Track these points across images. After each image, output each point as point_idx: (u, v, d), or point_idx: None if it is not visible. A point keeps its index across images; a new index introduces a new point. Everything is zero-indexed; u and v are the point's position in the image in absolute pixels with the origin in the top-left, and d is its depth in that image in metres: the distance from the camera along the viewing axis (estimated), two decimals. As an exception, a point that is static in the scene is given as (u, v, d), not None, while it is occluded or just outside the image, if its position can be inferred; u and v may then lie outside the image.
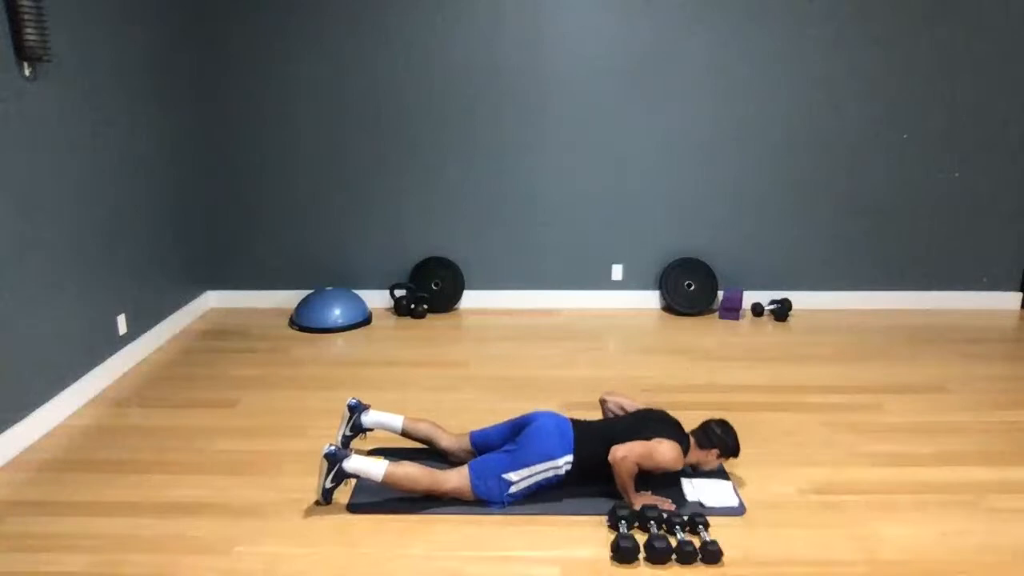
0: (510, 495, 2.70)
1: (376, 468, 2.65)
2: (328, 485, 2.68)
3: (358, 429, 3.00)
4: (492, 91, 4.82)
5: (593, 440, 2.76)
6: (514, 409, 3.50)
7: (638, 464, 2.66)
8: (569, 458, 2.71)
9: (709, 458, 2.84)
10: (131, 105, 4.08)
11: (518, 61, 4.76)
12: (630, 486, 2.69)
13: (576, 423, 2.83)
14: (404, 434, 3.03)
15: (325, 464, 2.66)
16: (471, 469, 2.71)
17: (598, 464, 2.72)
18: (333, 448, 2.66)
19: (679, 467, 2.72)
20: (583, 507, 2.70)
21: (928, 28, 4.70)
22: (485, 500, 2.69)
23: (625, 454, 2.65)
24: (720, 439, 2.83)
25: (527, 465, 2.69)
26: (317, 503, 2.73)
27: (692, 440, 2.84)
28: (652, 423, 2.81)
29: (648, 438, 2.71)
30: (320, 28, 4.69)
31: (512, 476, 2.69)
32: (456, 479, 2.69)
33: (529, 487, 2.71)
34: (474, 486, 2.68)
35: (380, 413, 3.03)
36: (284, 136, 4.89)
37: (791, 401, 3.66)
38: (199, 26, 4.68)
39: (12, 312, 3.10)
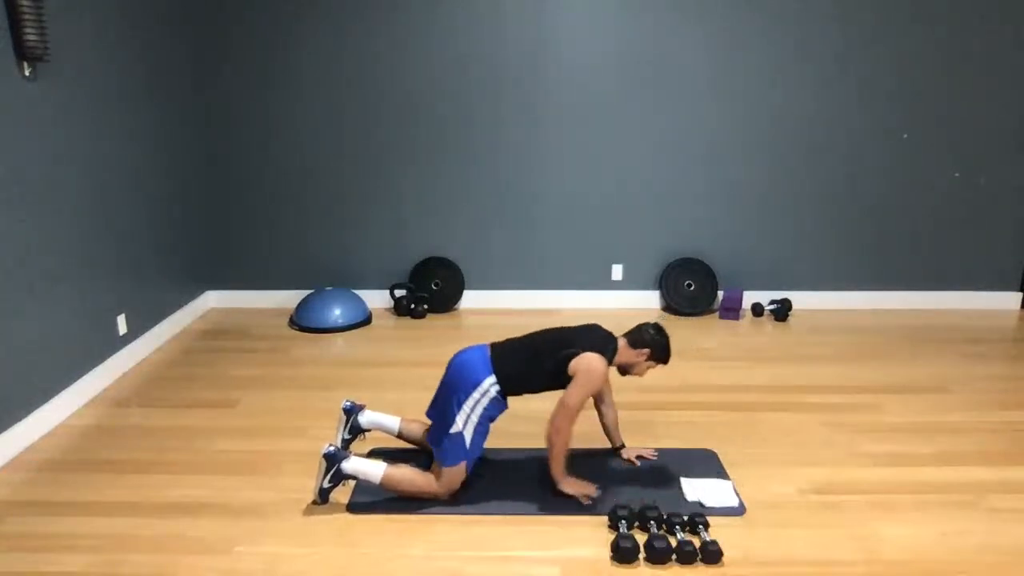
0: (467, 446, 2.68)
1: (375, 470, 2.67)
2: (326, 485, 2.68)
3: (357, 430, 3.00)
4: (492, 91, 4.82)
5: (515, 357, 2.73)
6: (514, 409, 3.49)
7: (576, 413, 2.62)
8: (493, 379, 2.69)
9: (639, 359, 2.78)
10: (131, 105, 4.08)
11: (518, 61, 4.76)
12: (561, 464, 2.70)
13: (494, 344, 2.81)
14: (400, 436, 3.03)
15: (324, 464, 2.66)
16: (434, 452, 2.73)
17: (527, 379, 2.71)
18: (332, 449, 2.67)
19: (605, 376, 2.67)
20: (583, 507, 2.70)
21: (929, 28, 4.70)
22: (453, 463, 2.67)
23: (558, 426, 2.63)
24: (652, 339, 2.76)
25: (462, 402, 2.68)
26: (314, 503, 2.73)
27: (624, 341, 2.79)
28: (575, 333, 2.76)
29: (573, 353, 2.66)
30: (320, 29, 4.69)
31: (458, 422, 2.68)
32: (435, 471, 2.71)
33: (477, 426, 2.69)
34: (441, 461, 2.69)
35: (375, 414, 3.03)
36: (284, 136, 4.89)
37: (791, 401, 3.66)
38: (199, 27, 4.68)
39: (12, 312, 3.10)
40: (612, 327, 2.88)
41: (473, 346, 2.83)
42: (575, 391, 2.63)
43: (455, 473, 2.69)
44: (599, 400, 3.02)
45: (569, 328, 2.82)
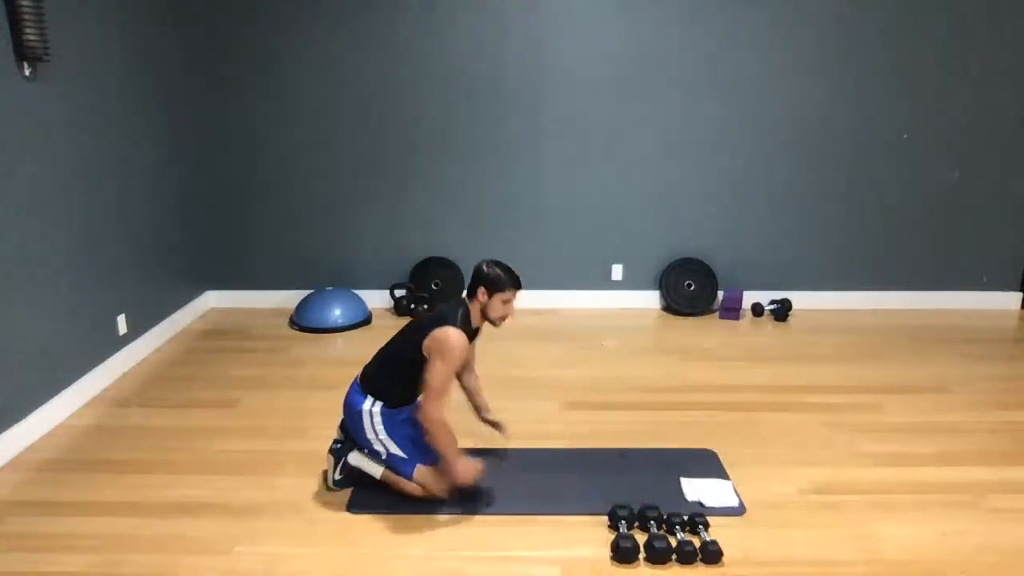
0: (403, 456, 2.68)
1: (375, 469, 2.74)
2: (337, 477, 2.78)
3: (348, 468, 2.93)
4: (492, 91, 4.81)
5: (380, 368, 2.72)
6: (513, 409, 3.49)
7: (441, 392, 2.52)
8: (369, 401, 2.69)
9: (484, 300, 2.64)
10: (131, 105, 4.08)
11: (518, 61, 4.76)
12: (452, 450, 2.59)
13: (365, 367, 2.79)
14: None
15: (331, 460, 2.76)
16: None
17: (399, 381, 2.67)
18: (339, 445, 2.77)
19: (460, 344, 2.53)
20: (583, 507, 2.70)
21: (929, 29, 4.70)
22: (411, 471, 2.68)
23: (426, 412, 2.51)
24: (483, 274, 2.62)
25: (365, 436, 2.70)
26: (329, 489, 2.80)
27: (465, 298, 2.70)
28: (428, 317, 2.67)
29: (424, 334, 2.57)
30: (320, 28, 4.69)
31: (379, 450, 2.71)
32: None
33: (394, 439, 2.68)
34: (404, 477, 2.70)
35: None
36: (284, 135, 4.89)
37: (791, 401, 3.66)
38: (199, 27, 4.68)
39: (12, 312, 3.10)
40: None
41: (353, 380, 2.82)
42: (434, 368, 2.53)
43: (424, 477, 2.69)
44: (461, 367, 2.86)
45: (417, 323, 2.72)
